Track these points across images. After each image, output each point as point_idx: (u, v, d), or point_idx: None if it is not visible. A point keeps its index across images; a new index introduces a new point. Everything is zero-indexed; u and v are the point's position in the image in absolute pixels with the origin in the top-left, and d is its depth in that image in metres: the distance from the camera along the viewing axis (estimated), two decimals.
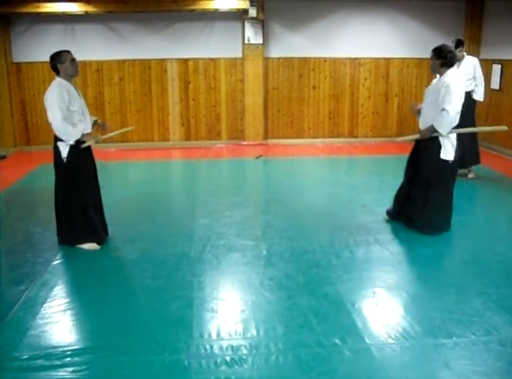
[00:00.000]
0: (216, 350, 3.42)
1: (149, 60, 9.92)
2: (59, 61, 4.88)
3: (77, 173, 4.97)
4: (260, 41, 9.85)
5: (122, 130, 6.02)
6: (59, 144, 4.91)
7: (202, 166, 9.01)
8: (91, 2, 9.14)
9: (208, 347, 3.46)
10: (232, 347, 3.46)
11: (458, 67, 7.29)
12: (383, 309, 3.99)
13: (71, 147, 4.88)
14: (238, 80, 10.19)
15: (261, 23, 9.78)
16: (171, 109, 10.19)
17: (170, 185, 7.81)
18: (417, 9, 10.15)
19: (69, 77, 4.98)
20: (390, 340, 3.53)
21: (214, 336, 3.58)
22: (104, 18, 9.61)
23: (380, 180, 7.71)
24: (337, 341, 3.51)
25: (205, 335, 3.59)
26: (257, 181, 8.34)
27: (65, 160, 4.89)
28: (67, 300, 4.11)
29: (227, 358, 3.34)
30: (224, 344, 3.49)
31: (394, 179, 7.76)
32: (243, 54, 9.99)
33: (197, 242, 5.28)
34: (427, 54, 10.49)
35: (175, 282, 4.42)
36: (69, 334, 3.64)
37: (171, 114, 10.20)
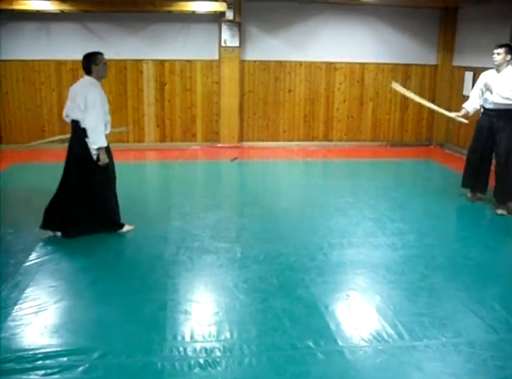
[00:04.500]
0: (189, 353, 3.41)
1: (125, 60, 9.86)
2: (94, 63, 5.14)
3: (108, 167, 5.26)
4: (236, 44, 9.87)
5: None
6: (88, 140, 5.11)
7: (177, 168, 8.99)
8: (66, 1, 9.03)
9: (181, 349, 3.45)
10: (206, 349, 3.46)
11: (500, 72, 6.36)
12: (356, 311, 4.02)
13: None
14: (214, 82, 10.19)
15: (238, 25, 9.79)
16: (147, 110, 10.14)
17: (144, 186, 7.77)
18: (393, 15, 10.28)
19: (99, 78, 5.24)
20: (363, 343, 3.56)
21: (188, 339, 3.57)
22: (80, 17, 9.53)
23: (353, 183, 7.79)
24: (311, 343, 3.53)
25: (179, 338, 3.58)
26: (232, 183, 8.34)
27: (95, 157, 5.12)
28: (39, 302, 4.05)
29: (201, 361, 3.33)
30: (198, 346, 3.48)
31: (367, 182, 7.89)
32: (220, 56, 9.99)
33: (171, 244, 5.26)
34: (402, 60, 10.75)
35: (149, 284, 4.40)
36: (41, 336, 3.60)
37: (146, 115, 10.15)
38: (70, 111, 5.21)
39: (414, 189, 7.51)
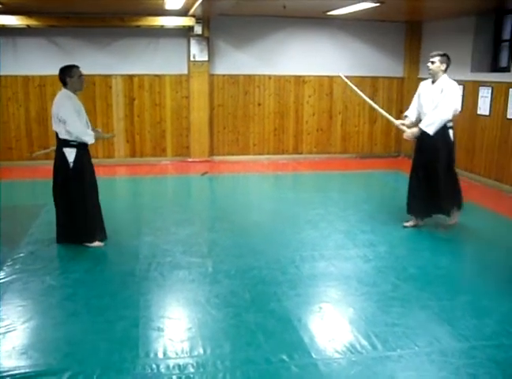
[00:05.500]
0: (162, 370, 3.37)
1: (94, 76, 9.77)
2: (68, 75, 5.26)
3: (83, 176, 5.38)
4: (205, 58, 9.89)
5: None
6: (65, 149, 5.28)
7: (147, 183, 8.93)
8: (33, 16, 8.97)
9: (154, 366, 3.41)
10: (179, 365, 3.42)
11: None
12: (329, 324, 4.03)
13: (77, 151, 5.29)
14: (183, 96, 10.18)
15: (207, 40, 9.83)
16: (116, 125, 10.07)
17: (114, 202, 7.67)
18: (360, 29, 10.43)
19: (75, 91, 5.35)
20: (337, 355, 3.56)
21: (160, 355, 3.53)
22: (47, 32, 9.45)
23: (324, 196, 7.83)
24: (284, 357, 3.51)
25: (152, 355, 3.53)
26: (203, 198, 8.31)
27: (71, 165, 5.27)
28: (7, 322, 3.96)
29: (174, 378, 3.29)
30: (171, 363, 3.44)
31: (338, 194, 7.94)
32: (189, 70, 10.00)
33: (142, 260, 5.21)
34: (370, 73, 10.88)
35: (121, 301, 4.34)
36: (9, 358, 3.50)
37: (116, 130, 10.07)
38: (52, 123, 5.37)
39: (384, 201, 7.57)
